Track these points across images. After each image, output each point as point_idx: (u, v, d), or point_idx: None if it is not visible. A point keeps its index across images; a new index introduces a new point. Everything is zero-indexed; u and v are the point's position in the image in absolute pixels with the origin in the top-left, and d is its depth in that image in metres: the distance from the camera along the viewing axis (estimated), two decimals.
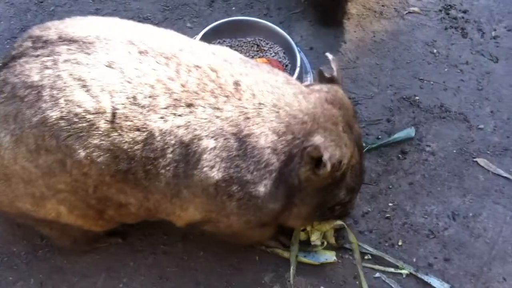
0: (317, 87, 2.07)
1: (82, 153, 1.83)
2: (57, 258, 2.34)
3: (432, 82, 2.98)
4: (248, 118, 1.89)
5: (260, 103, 1.92)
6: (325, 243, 2.36)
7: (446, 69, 3.04)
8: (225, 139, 1.87)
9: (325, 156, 1.84)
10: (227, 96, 1.90)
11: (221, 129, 1.87)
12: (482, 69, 3.03)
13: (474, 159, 2.70)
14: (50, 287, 2.30)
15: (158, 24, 3.15)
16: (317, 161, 1.86)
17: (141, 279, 2.31)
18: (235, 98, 1.91)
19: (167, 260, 2.35)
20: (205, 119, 1.86)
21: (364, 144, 2.66)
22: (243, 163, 1.89)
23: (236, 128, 1.88)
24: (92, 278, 2.30)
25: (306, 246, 2.37)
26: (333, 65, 2.12)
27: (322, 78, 2.12)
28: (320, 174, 1.89)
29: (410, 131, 2.75)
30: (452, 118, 2.84)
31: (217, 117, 1.87)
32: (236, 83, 1.94)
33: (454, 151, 2.72)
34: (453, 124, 2.82)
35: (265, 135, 1.89)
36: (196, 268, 2.34)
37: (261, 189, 1.92)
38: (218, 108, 1.88)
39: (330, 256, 2.34)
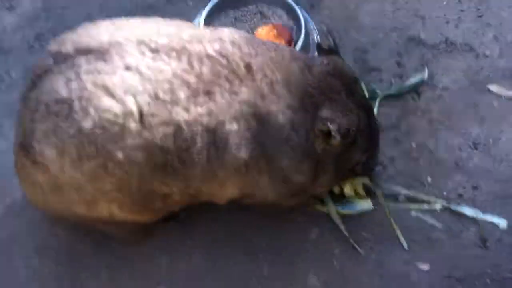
0: (318, 60, 2.19)
1: (120, 154, 1.97)
2: (121, 248, 2.51)
3: (433, 17, 3.06)
4: (264, 96, 2.03)
5: (272, 81, 2.05)
6: (357, 194, 2.52)
7: (444, 2, 3.12)
8: (246, 120, 2.01)
9: (334, 128, 2.00)
10: (241, 79, 2.03)
11: (241, 111, 2.00)
12: None
13: (486, 86, 2.81)
14: (119, 275, 2.48)
15: (162, 7, 3.25)
16: (328, 133, 2.03)
17: (200, 254, 2.49)
18: (249, 79, 2.03)
19: (220, 234, 2.52)
20: (225, 104, 1.99)
21: (379, 92, 2.80)
22: (266, 140, 2.04)
23: (254, 108, 2.02)
24: (157, 260, 2.48)
25: (341, 198, 2.52)
26: (330, 37, 2.26)
27: (321, 51, 2.25)
28: (333, 144, 2.05)
29: (423, 74, 2.85)
30: (458, 50, 2.94)
31: (235, 100, 2.01)
32: (247, 65, 2.06)
33: (466, 82, 2.83)
34: (460, 55, 2.92)
35: (282, 112, 2.03)
36: (248, 238, 2.51)
37: (285, 162, 2.09)
38: (234, 92, 2.01)
39: (366, 205, 2.49)
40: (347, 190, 2.49)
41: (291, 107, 2.05)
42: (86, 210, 2.16)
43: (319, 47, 2.26)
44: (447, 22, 3.04)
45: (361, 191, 2.52)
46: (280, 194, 2.23)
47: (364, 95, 2.28)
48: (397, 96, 2.82)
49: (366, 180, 2.52)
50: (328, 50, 2.24)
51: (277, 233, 2.51)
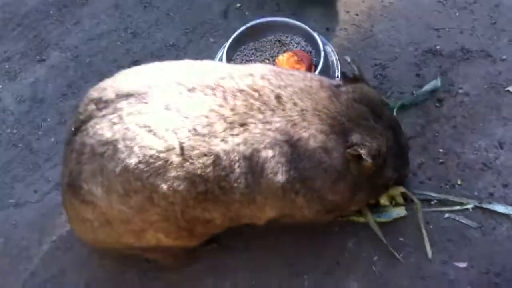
0: (344, 88, 2.29)
1: (164, 187, 2.09)
2: (167, 274, 2.59)
3: (447, 29, 3.15)
4: (295, 124, 2.14)
5: (302, 109, 2.17)
6: (394, 202, 2.58)
7: (457, 13, 3.21)
8: (280, 147, 2.12)
9: (364, 152, 2.09)
10: (272, 110, 2.15)
11: (274, 139, 2.12)
12: (491, 3, 3.19)
13: (506, 89, 2.87)
14: None
15: (184, 46, 3.40)
16: (359, 156, 2.12)
17: (243, 273, 2.56)
18: (280, 109, 2.15)
19: (260, 251, 2.59)
20: (259, 133, 2.12)
21: (391, 102, 2.88)
22: (299, 164, 2.14)
23: (286, 135, 2.13)
24: (202, 284, 2.56)
25: (376, 207, 2.59)
26: (353, 66, 2.36)
27: (347, 80, 2.35)
28: (365, 166, 2.14)
29: (436, 81, 2.93)
30: (475, 57, 3.01)
31: (268, 129, 2.12)
32: (278, 96, 2.18)
33: (485, 86, 2.90)
34: (477, 62, 2.99)
35: (313, 137, 2.14)
36: (287, 251, 2.58)
37: (319, 183, 2.18)
38: (267, 122, 2.13)
39: (401, 211, 2.54)
40: (383, 201, 2.56)
41: (323, 132, 2.16)
42: (135, 240, 2.29)
43: (344, 76, 2.36)
44: (461, 32, 3.13)
45: (399, 199, 2.58)
46: (317, 213, 2.32)
47: (391, 115, 2.37)
48: (416, 104, 2.91)
49: (401, 189, 2.58)
50: (353, 79, 2.34)
51: (315, 244, 2.58)
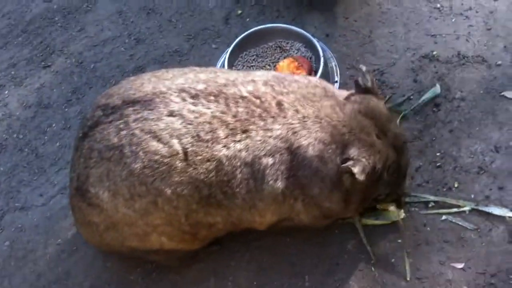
0: (352, 98, 2.32)
1: (168, 191, 2.16)
2: (169, 275, 2.65)
3: (444, 35, 3.22)
4: (295, 132, 2.19)
5: (304, 117, 2.21)
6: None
7: (453, 20, 3.27)
8: (280, 154, 2.18)
9: (357, 170, 2.09)
10: (273, 117, 2.20)
11: (275, 146, 2.18)
12: (486, 10, 3.25)
13: (501, 94, 2.93)
14: None
15: (187, 52, 3.46)
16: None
17: (244, 274, 2.62)
18: (281, 117, 2.21)
19: (261, 252, 2.65)
20: (260, 140, 2.17)
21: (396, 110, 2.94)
22: (298, 171, 2.20)
23: (287, 143, 2.19)
24: (204, 284, 2.62)
25: (375, 210, 2.64)
26: (367, 76, 2.35)
27: (358, 88, 2.36)
28: (358, 180, 2.14)
29: (436, 89, 3.00)
30: (471, 62, 3.08)
31: (269, 136, 2.18)
32: (279, 103, 2.23)
33: (481, 91, 2.96)
34: (473, 67, 3.06)
35: (312, 145, 2.19)
36: (288, 252, 2.64)
37: (316, 191, 2.24)
38: (268, 129, 2.19)
39: (400, 213, 2.60)
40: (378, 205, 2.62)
41: (322, 141, 2.20)
42: (139, 243, 2.35)
43: (357, 84, 2.37)
44: (458, 38, 3.19)
45: (391, 208, 2.61)
46: (314, 218, 2.39)
47: (398, 132, 2.36)
48: (416, 108, 2.97)
49: (392, 206, 2.61)
50: (364, 89, 2.35)
51: (315, 245, 2.64)
